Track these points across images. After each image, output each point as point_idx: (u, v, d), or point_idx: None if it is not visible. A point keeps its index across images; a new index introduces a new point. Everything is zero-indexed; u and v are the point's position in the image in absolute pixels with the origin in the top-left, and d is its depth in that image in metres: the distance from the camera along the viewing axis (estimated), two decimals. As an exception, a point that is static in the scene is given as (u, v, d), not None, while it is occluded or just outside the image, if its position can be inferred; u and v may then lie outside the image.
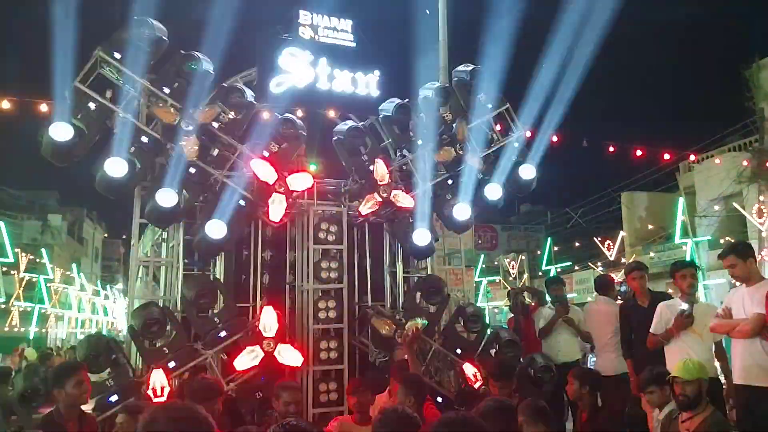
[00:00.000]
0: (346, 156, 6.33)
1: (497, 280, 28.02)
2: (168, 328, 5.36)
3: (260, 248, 6.22)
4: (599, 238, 24.28)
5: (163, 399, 4.77)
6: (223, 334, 5.42)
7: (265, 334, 5.37)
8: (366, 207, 6.11)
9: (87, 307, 32.37)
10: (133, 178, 5.40)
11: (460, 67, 7.00)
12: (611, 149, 12.47)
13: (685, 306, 5.07)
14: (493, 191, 6.60)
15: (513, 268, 27.44)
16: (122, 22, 5.60)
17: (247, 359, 5.32)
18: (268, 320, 5.42)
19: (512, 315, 7.79)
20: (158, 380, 4.91)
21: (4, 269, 22.21)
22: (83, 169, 5.59)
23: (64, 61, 5.12)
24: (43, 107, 6.54)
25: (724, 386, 5.14)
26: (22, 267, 23.84)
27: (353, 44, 6.75)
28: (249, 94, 5.95)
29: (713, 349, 5.16)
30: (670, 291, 11.46)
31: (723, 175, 19.26)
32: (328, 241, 6.27)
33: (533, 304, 7.66)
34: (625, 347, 6.01)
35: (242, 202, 5.67)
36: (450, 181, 6.59)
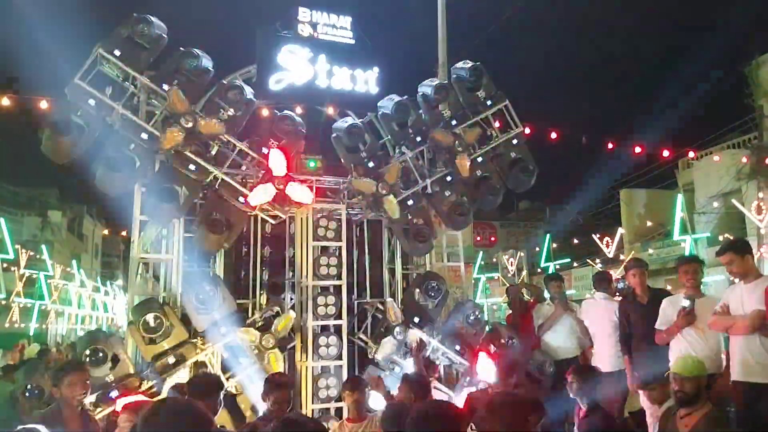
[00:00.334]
0: (345, 153, 6.35)
1: (496, 277, 28.05)
2: (168, 324, 5.38)
3: (259, 245, 6.24)
4: (598, 235, 24.30)
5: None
6: (222, 330, 5.44)
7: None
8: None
9: (87, 304, 32.39)
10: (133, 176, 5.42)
11: (459, 64, 7.01)
12: (610, 146, 12.45)
13: (686, 303, 5.06)
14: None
15: (511, 265, 27.46)
16: (122, 20, 5.61)
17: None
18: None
19: (511, 311, 7.81)
20: None
21: (5, 266, 22.21)
22: (83, 165, 5.60)
23: (65, 58, 5.13)
24: (43, 104, 6.54)
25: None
26: (23, 263, 23.85)
27: (352, 41, 6.76)
28: (248, 91, 5.96)
29: (721, 344, 5.03)
30: (669, 287, 11.48)
31: (722, 172, 19.26)
32: (328, 238, 6.29)
33: (532, 300, 7.68)
34: (623, 344, 6.02)
35: (241, 200, 5.69)
36: (449, 178, 6.60)
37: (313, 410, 5.88)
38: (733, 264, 4.66)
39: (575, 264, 26.30)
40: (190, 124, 5.45)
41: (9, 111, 7.34)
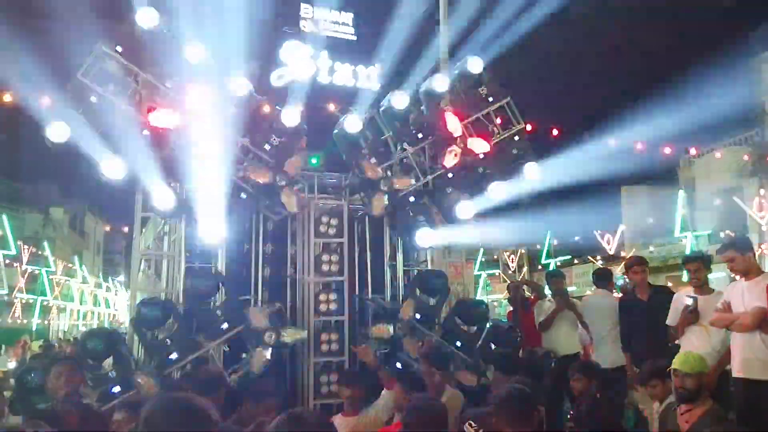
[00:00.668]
0: (347, 149, 6.35)
1: (497, 274, 28.07)
2: (170, 320, 5.39)
3: (261, 242, 6.24)
4: (599, 232, 24.30)
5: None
6: (225, 326, 5.45)
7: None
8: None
9: (89, 300, 32.48)
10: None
11: (461, 60, 6.99)
12: (612, 143, 12.46)
13: (689, 301, 5.06)
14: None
15: (512, 262, 27.48)
16: (124, 16, 5.61)
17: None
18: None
19: (512, 308, 7.82)
20: None
21: (7, 262, 22.28)
22: (85, 162, 5.60)
23: (67, 54, 5.13)
24: (45, 100, 6.54)
25: None
26: (25, 259, 23.92)
27: (354, 37, 6.77)
28: (249, 87, 5.96)
29: (727, 340, 4.89)
30: (670, 284, 11.48)
31: (723, 169, 19.25)
32: (329, 235, 6.29)
33: (533, 297, 7.69)
34: (623, 340, 6.04)
35: (243, 195, 5.70)
36: (450, 174, 6.60)
37: (314, 406, 5.89)
38: (734, 261, 4.66)
39: (576, 261, 26.31)
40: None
41: (11, 107, 7.35)
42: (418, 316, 6.04)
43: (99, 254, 43.46)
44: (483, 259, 27.24)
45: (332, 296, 6.13)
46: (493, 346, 6.31)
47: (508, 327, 6.55)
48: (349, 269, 6.38)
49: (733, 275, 5.02)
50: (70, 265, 29.43)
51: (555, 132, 10.90)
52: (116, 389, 4.92)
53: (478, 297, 18.10)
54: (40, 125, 5.30)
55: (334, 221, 6.30)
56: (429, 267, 6.79)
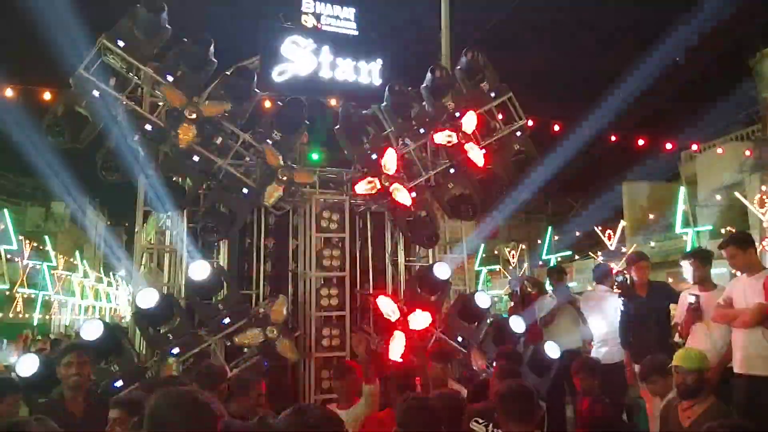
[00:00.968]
0: (349, 145, 6.35)
1: (497, 269, 28.11)
2: (172, 314, 5.40)
3: (263, 236, 6.25)
4: (600, 228, 24.30)
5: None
6: (226, 320, 5.46)
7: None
8: (363, 187, 6.08)
9: (90, 294, 32.55)
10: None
11: (463, 55, 6.98)
12: (613, 138, 12.44)
13: (692, 299, 5.05)
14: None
15: (513, 258, 27.51)
16: (126, 10, 5.60)
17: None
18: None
19: (513, 304, 7.83)
20: None
21: (8, 256, 22.32)
22: (87, 156, 5.63)
23: (68, 48, 5.14)
24: (47, 95, 6.56)
25: None
26: (26, 254, 23.96)
27: (356, 32, 6.75)
28: (252, 80, 5.95)
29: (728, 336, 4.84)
30: (670, 280, 11.50)
31: (725, 165, 19.23)
32: (331, 230, 6.30)
33: (534, 293, 7.70)
34: (622, 337, 6.05)
35: (245, 190, 5.70)
36: (452, 170, 6.60)
37: (316, 400, 5.91)
38: (735, 257, 4.66)
39: (577, 257, 26.33)
40: (194, 115, 5.45)
41: (13, 101, 7.36)
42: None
43: (100, 248, 43.47)
44: (483, 255, 27.29)
45: (333, 291, 6.14)
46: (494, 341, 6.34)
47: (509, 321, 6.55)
48: (351, 264, 6.39)
49: (734, 271, 5.02)
50: (72, 259, 29.49)
51: (556, 128, 10.87)
52: (119, 383, 4.94)
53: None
54: (41, 119, 5.31)
55: (335, 216, 6.30)
56: (430, 262, 6.80)
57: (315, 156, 6.63)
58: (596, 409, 4.52)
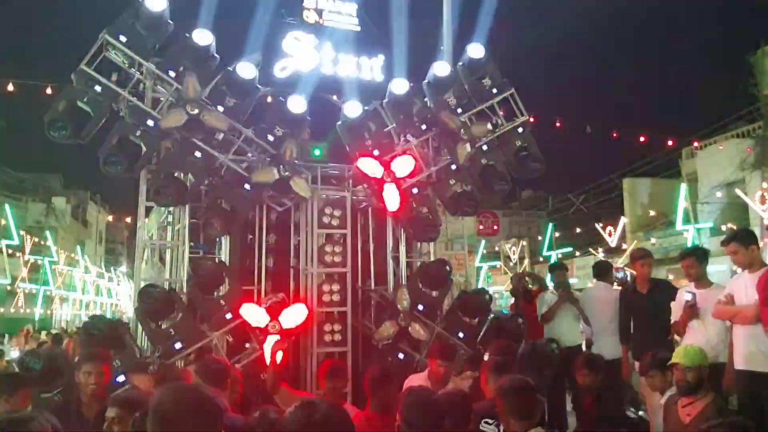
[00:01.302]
0: (350, 141, 6.35)
1: (498, 266, 28.13)
2: (174, 309, 5.41)
3: (265, 232, 6.26)
4: (600, 224, 24.29)
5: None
6: (228, 316, 5.48)
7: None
8: (365, 164, 6.04)
9: (91, 289, 32.60)
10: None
11: (465, 51, 6.97)
12: (614, 135, 12.45)
13: (688, 297, 5.06)
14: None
15: (514, 254, 27.52)
16: (128, 6, 5.60)
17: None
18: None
19: (514, 300, 7.84)
20: None
21: (10, 251, 22.34)
22: (88, 151, 5.62)
23: (70, 44, 5.13)
24: (48, 90, 6.56)
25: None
26: (27, 249, 23.97)
27: (358, 28, 6.74)
28: (254, 76, 5.94)
29: (725, 333, 4.89)
30: (671, 277, 11.50)
31: (726, 162, 19.21)
32: (332, 226, 6.31)
33: (535, 289, 7.71)
34: (622, 333, 6.06)
35: (247, 186, 5.71)
36: (453, 167, 6.60)
37: (317, 395, 5.92)
38: (737, 254, 4.67)
39: (577, 253, 26.33)
40: (195, 111, 5.45)
41: (14, 96, 7.36)
42: (420, 307, 6.06)
43: (101, 244, 43.55)
44: (484, 251, 27.30)
45: (335, 287, 6.16)
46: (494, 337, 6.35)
47: (510, 316, 6.57)
48: (352, 260, 6.40)
49: (735, 268, 5.03)
50: (73, 255, 29.51)
51: (558, 124, 10.88)
52: (121, 378, 4.95)
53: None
54: (42, 114, 5.31)
55: (337, 212, 6.31)
56: (431, 258, 6.81)
57: (317, 152, 6.62)
58: (599, 405, 4.53)
